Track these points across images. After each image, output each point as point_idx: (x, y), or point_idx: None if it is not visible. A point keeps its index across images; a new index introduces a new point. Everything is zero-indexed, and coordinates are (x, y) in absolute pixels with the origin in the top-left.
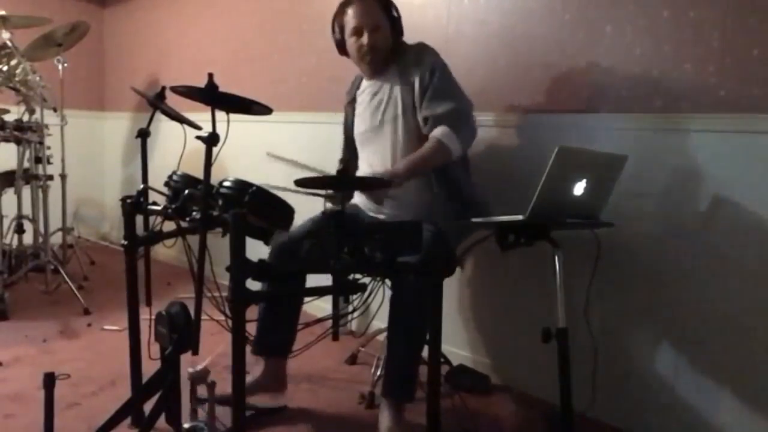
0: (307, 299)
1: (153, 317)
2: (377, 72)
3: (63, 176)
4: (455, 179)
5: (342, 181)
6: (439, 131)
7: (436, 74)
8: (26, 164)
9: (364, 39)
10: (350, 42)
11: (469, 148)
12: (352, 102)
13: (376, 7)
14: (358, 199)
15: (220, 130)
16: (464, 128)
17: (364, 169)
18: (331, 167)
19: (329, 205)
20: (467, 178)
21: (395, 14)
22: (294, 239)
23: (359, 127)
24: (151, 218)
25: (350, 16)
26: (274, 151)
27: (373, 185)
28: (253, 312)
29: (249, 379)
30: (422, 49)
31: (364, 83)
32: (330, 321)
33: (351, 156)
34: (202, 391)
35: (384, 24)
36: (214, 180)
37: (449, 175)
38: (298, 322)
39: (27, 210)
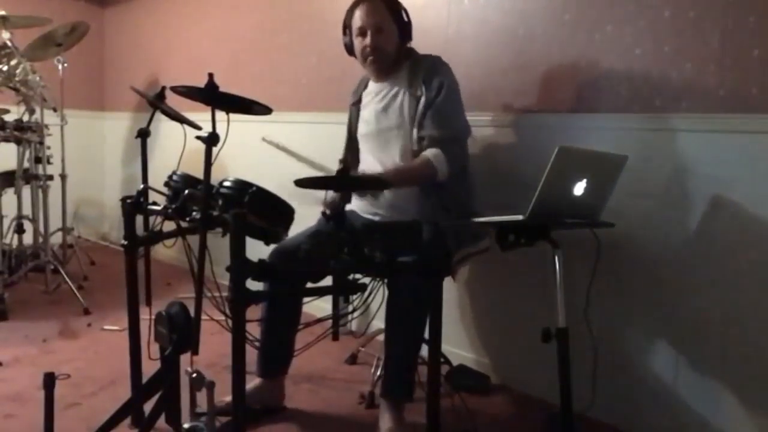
0: (306, 299)
1: (153, 317)
2: (383, 74)
3: (63, 176)
4: (451, 190)
5: (342, 181)
6: (431, 153)
7: (441, 94)
8: (26, 164)
9: (367, 40)
10: (356, 43)
11: (455, 172)
12: (357, 102)
13: (383, 9)
14: (356, 203)
15: (220, 130)
16: (455, 154)
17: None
18: (331, 166)
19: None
20: (465, 189)
21: (405, 18)
22: (293, 241)
23: (362, 128)
24: (151, 218)
25: (356, 17)
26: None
27: (369, 186)
28: (253, 312)
29: (248, 386)
30: (435, 64)
31: (371, 85)
32: (330, 321)
33: (352, 157)
34: (201, 395)
35: (389, 26)
36: (214, 180)
37: (446, 185)
38: (296, 334)
39: (27, 210)
